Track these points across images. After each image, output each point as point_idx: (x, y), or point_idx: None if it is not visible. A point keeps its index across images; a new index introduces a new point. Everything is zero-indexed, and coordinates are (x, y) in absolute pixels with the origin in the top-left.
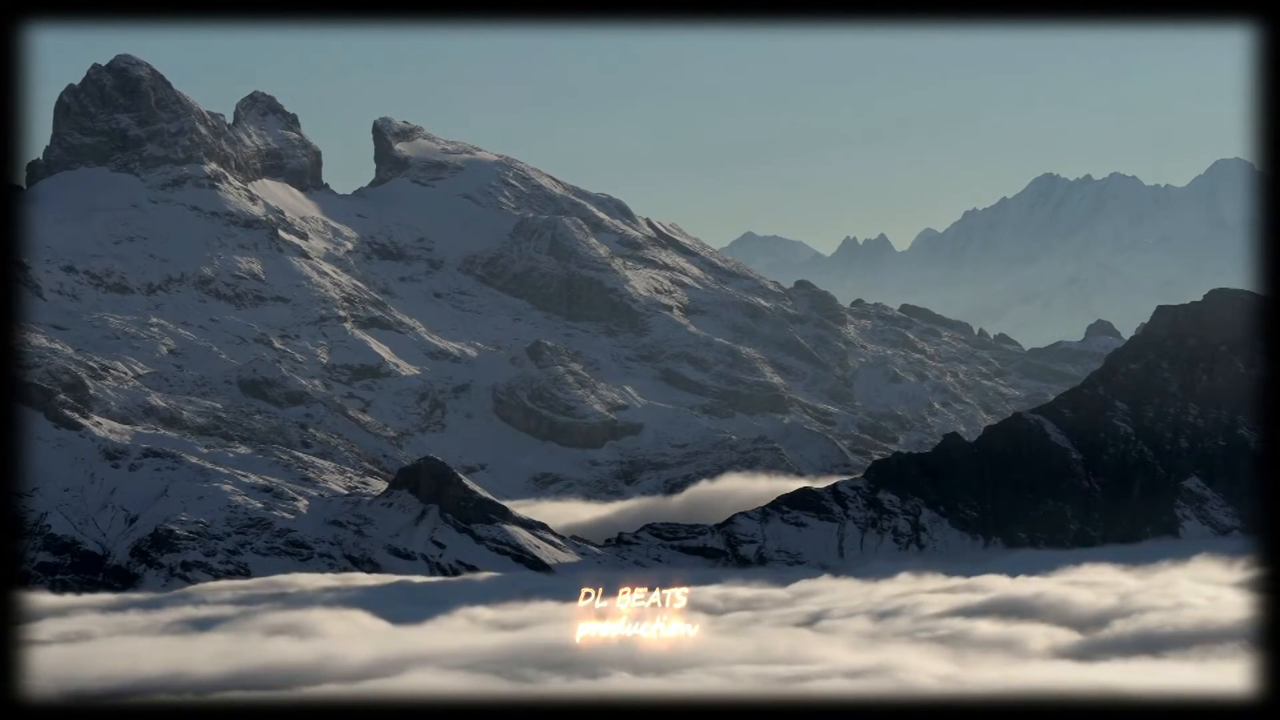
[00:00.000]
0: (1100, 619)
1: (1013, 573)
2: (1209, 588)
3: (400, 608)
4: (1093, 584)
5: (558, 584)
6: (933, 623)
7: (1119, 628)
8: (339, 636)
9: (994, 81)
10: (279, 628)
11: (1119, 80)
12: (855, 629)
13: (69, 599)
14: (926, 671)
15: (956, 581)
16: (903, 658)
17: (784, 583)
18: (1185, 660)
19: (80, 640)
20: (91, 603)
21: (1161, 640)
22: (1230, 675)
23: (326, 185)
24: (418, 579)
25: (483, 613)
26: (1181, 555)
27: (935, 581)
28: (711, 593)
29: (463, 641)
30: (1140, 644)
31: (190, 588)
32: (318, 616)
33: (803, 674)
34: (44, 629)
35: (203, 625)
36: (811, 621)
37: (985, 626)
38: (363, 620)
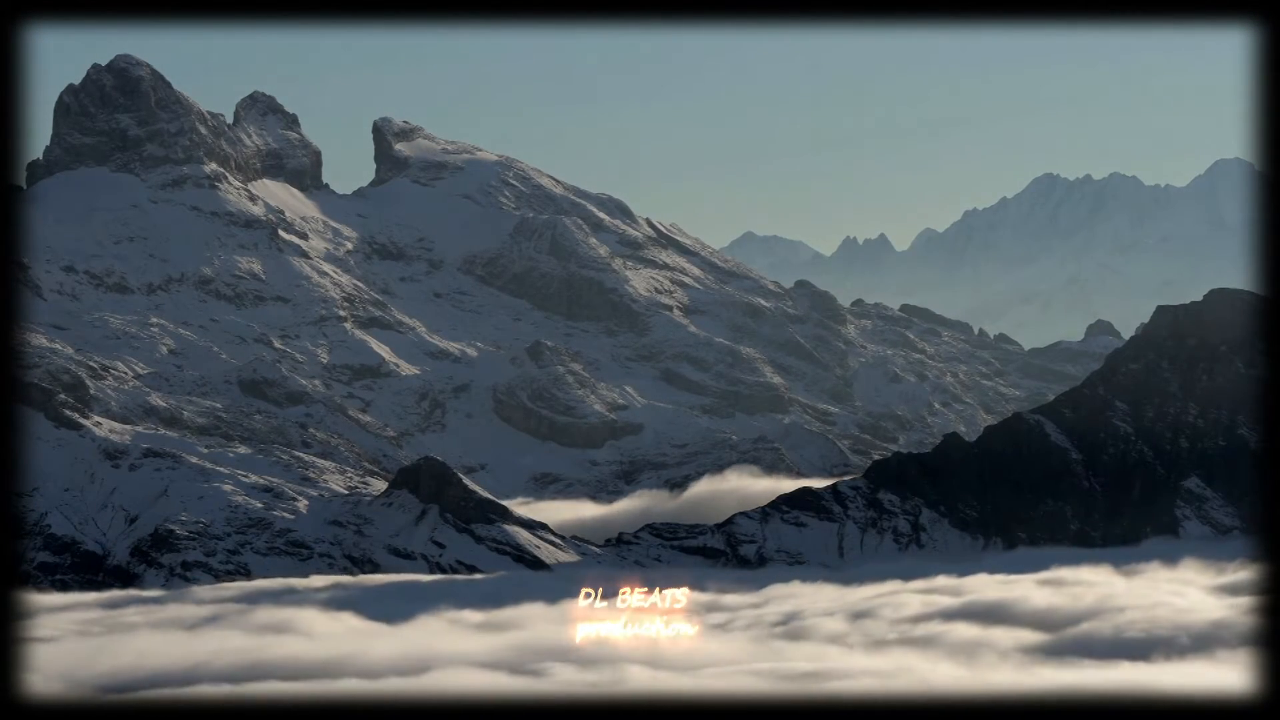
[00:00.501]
0: (1071, 621)
1: (1004, 572)
2: (1194, 591)
3: (398, 607)
4: (1079, 585)
5: (557, 584)
6: (907, 626)
7: (1088, 630)
8: (336, 636)
9: (994, 81)
10: (273, 626)
11: (1119, 80)
12: (828, 631)
13: (70, 597)
14: (899, 673)
15: (941, 582)
16: (874, 660)
17: (766, 584)
18: (1154, 663)
19: (81, 637)
20: (91, 600)
21: (1131, 643)
22: (1202, 677)
23: (326, 185)
24: (425, 578)
25: (483, 613)
26: (1172, 557)
27: (919, 584)
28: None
29: (463, 642)
30: (1109, 647)
31: (181, 590)
32: (313, 616)
33: (786, 673)
34: (44, 627)
35: (198, 624)
36: (785, 622)
37: (957, 629)
38: (370, 619)
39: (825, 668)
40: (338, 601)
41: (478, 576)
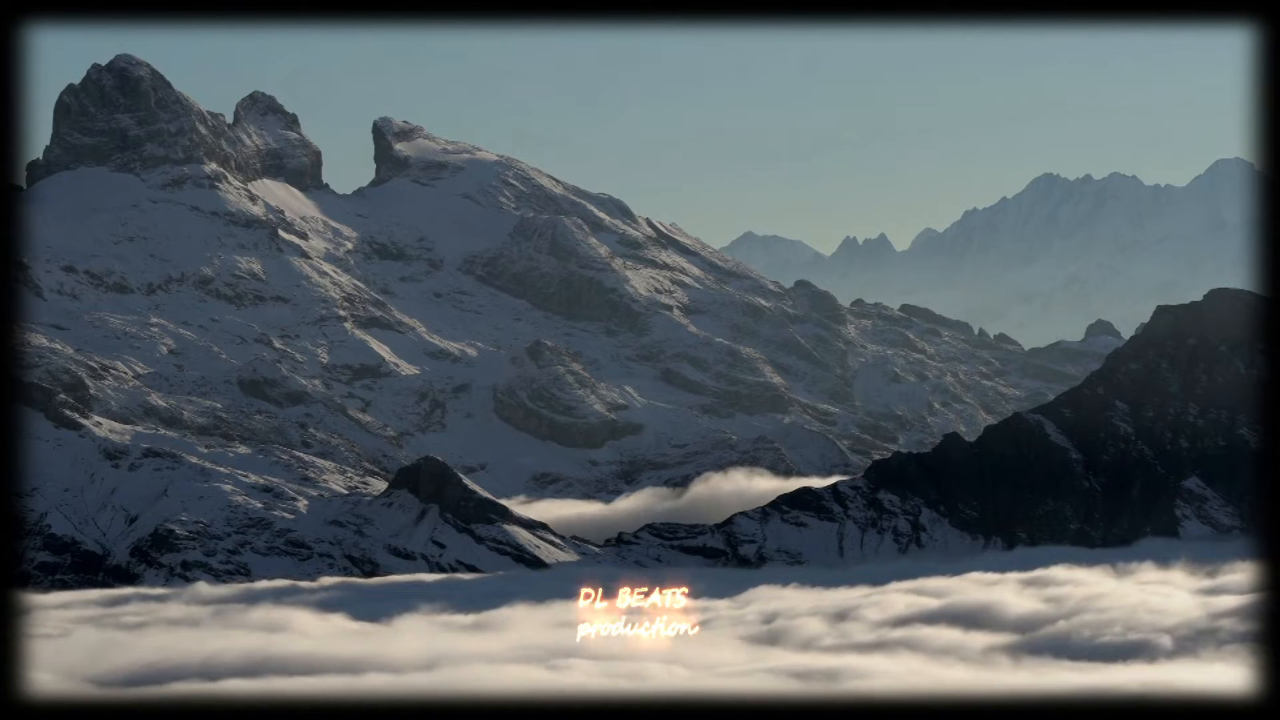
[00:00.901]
0: (1052, 623)
1: (996, 571)
2: (1182, 593)
3: (398, 607)
4: (1064, 585)
5: (557, 584)
6: (886, 629)
7: (1067, 632)
8: (334, 636)
9: (993, 81)
10: (279, 626)
11: (1119, 80)
12: (808, 633)
13: (69, 595)
14: (890, 673)
15: (924, 584)
16: (860, 660)
17: (752, 585)
18: (1134, 665)
19: (81, 635)
20: (91, 598)
21: (1111, 645)
22: (1184, 678)
23: (326, 185)
24: (428, 577)
25: (483, 613)
26: (1165, 557)
27: (905, 584)
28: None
29: (464, 643)
30: (1088, 649)
31: (180, 588)
32: (315, 616)
33: (784, 672)
34: (44, 625)
35: (197, 623)
36: (768, 621)
37: (938, 630)
38: (366, 620)
39: (820, 667)
40: (335, 602)
41: (477, 576)
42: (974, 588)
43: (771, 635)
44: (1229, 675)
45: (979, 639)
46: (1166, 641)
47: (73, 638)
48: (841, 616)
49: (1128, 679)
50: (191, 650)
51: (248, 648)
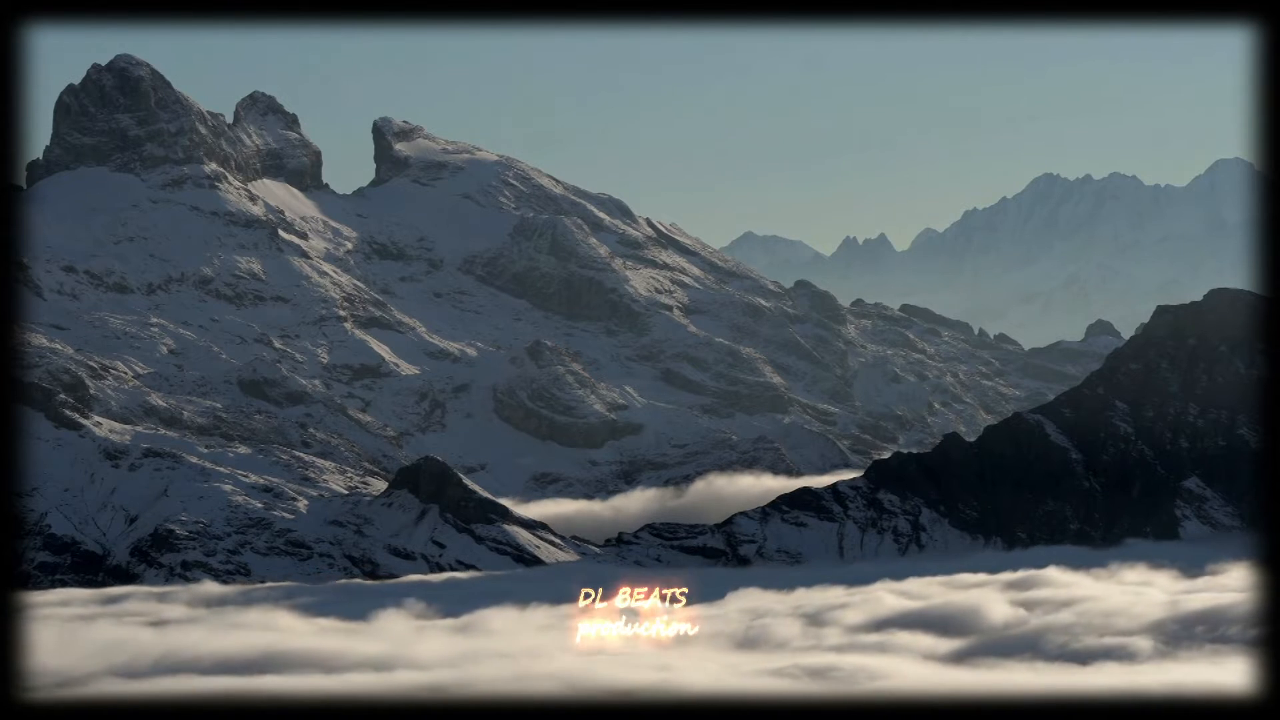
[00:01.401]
0: (1035, 625)
1: (985, 571)
2: (1171, 594)
3: (392, 607)
4: (1051, 586)
5: (557, 584)
6: (861, 633)
7: (1047, 633)
8: (327, 635)
9: (994, 81)
10: (268, 625)
11: (1119, 80)
12: (783, 634)
13: (68, 593)
14: (883, 673)
15: (913, 586)
16: (822, 661)
17: (738, 585)
18: (1122, 665)
19: (80, 634)
20: (89, 596)
21: (1097, 645)
22: (1173, 678)
23: (326, 185)
24: (434, 578)
25: (483, 613)
26: (1159, 558)
27: (887, 586)
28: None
29: (464, 643)
30: (1072, 650)
31: (171, 587)
32: (314, 616)
33: (785, 672)
34: (43, 624)
35: (194, 622)
36: (748, 623)
37: (918, 631)
38: (353, 620)
39: (795, 667)
40: (330, 604)
41: (477, 576)
42: (957, 590)
43: (748, 637)
44: (1210, 675)
45: (951, 642)
46: (1144, 643)
47: (73, 637)
48: (818, 619)
49: (1099, 681)
50: (191, 650)
51: (245, 648)
